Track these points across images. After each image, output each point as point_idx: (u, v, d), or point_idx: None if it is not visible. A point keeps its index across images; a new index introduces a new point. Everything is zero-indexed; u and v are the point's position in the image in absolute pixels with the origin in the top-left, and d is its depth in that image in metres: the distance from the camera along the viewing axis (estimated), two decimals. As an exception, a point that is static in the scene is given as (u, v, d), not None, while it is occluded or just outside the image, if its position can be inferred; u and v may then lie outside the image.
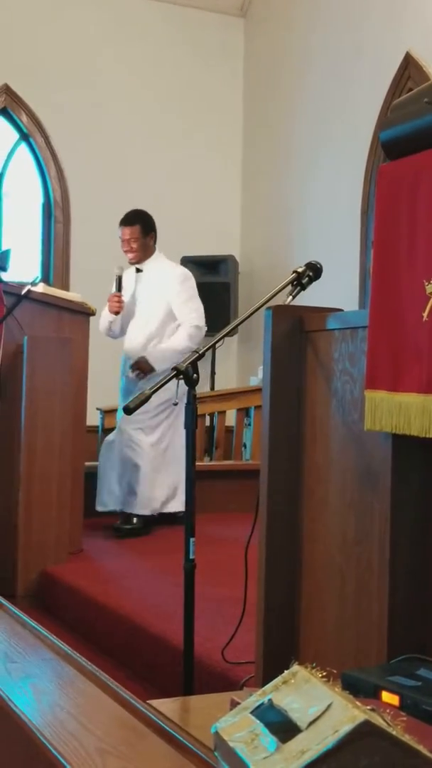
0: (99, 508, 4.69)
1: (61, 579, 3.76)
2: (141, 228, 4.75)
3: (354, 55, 6.61)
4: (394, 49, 6.18)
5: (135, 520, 4.67)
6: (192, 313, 4.72)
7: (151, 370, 4.62)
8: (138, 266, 4.81)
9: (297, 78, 7.24)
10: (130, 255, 4.77)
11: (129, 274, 4.84)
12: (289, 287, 2.36)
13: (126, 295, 4.78)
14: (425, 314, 1.70)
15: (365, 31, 6.51)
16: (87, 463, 4.55)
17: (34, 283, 4.13)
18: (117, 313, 4.73)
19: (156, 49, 7.55)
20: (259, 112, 7.76)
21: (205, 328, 4.79)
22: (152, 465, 4.64)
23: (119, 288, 4.73)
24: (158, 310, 4.74)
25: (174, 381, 2.30)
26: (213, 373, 7.33)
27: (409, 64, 6.10)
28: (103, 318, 4.82)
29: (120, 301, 4.71)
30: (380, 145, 1.96)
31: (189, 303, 4.74)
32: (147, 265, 4.82)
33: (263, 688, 1.21)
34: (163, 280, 4.76)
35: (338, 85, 6.77)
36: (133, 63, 7.48)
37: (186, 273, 4.85)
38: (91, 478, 4.63)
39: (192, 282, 4.83)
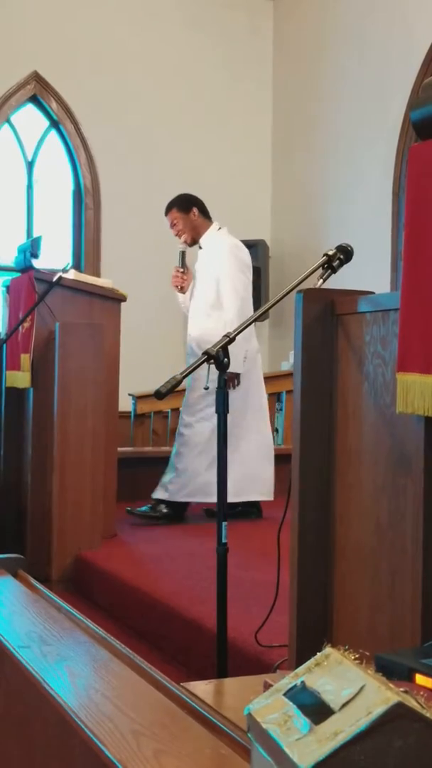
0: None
1: (95, 563, 3.79)
2: (177, 209, 4.65)
3: (385, 35, 6.54)
4: (425, 28, 6.11)
5: None
6: (232, 296, 4.40)
7: (236, 376, 4.47)
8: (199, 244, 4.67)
9: (327, 60, 7.18)
10: (182, 238, 4.65)
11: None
12: (320, 270, 2.34)
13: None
14: (458, 295, 1.68)
15: (396, 11, 6.44)
16: (120, 449, 4.57)
17: (65, 270, 4.15)
18: (180, 288, 4.62)
19: (185, 33, 7.53)
20: (289, 95, 7.71)
21: (238, 309, 4.38)
22: None
23: (181, 263, 4.61)
24: (208, 291, 4.52)
25: (205, 365, 2.30)
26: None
27: (440, 43, 6.03)
28: (178, 296, 4.75)
29: (179, 276, 4.59)
30: (411, 125, 1.93)
31: (228, 281, 4.43)
32: (204, 241, 4.65)
33: (296, 671, 1.21)
34: (214, 256, 4.53)
35: (369, 65, 6.70)
36: (162, 48, 7.46)
37: (232, 246, 4.53)
38: (124, 464, 4.65)
39: (236, 255, 4.48)
